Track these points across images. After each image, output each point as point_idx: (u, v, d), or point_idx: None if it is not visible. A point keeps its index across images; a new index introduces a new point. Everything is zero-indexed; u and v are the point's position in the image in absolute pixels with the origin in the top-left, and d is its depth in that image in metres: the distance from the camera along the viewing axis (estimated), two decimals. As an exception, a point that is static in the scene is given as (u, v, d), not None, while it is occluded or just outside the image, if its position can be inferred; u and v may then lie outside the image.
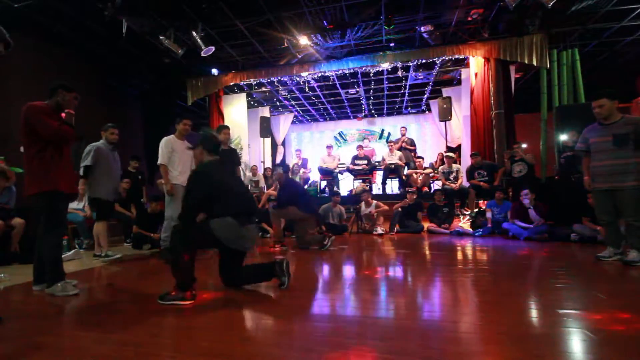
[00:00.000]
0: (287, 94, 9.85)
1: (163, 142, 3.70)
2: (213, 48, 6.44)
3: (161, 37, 5.96)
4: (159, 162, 3.68)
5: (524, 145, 5.99)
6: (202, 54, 6.43)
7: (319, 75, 8.00)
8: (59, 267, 2.32)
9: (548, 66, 6.31)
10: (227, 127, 4.49)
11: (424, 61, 7.33)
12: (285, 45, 6.89)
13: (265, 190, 7.11)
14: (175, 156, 3.68)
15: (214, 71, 7.92)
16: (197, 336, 1.50)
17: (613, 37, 6.66)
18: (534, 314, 1.74)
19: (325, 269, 3.05)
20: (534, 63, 6.34)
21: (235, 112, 8.86)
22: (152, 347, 1.42)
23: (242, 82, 8.33)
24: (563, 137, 5.50)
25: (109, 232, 5.31)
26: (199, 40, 6.14)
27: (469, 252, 3.86)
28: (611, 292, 2.01)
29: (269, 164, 9.08)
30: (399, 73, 7.98)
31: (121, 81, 7.83)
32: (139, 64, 7.32)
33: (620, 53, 7.35)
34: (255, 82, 8.64)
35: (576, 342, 1.35)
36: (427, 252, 3.86)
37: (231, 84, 8.19)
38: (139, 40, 6.20)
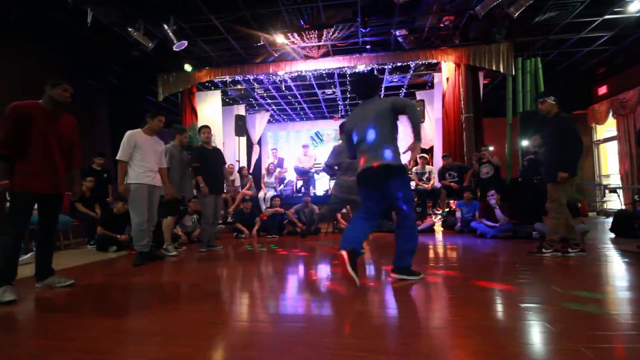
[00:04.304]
0: (263, 92, 9.73)
1: (127, 136, 3.40)
2: (186, 43, 6.24)
3: (130, 29, 5.69)
4: (117, 157, 3.37)
5: (491, 148, 6.27)
6: (175, 49, 6.21)
7: (296, 74, 7.97)
8: (6, 271, 2.19)
9: (513, 73, 6.64)
10: (207, 127, 4.41)
11: (399, 64, 7.51)
12: (262, 43, 6.80)
13: (240, 190, 6.99)
14: (139, 153, 3.40)
15: (187, 67, 7.67)
16: (164, 341, 1.45)
17: (572, 47, 7.13)
18: (499, 308, 1.83)
19: (300, 269, 3.04)
20: (501, 70, 6.66)
21: (209, 110, 8.63)
22: (115, 355, 1.35)
23: (216, 79, 8.13)
24: (525, 141, 5.81)
25: (72, 233, 5.00)
26: (170, 33, 5.91)
27: (440, 250, 4.00)
28: (566, 285, 2.15)
29: (244, 163, 8.93)
30: (375, 75, 8.11)
31: (85, 74, 7.40)
32: (105, 56, 6.95)
33: (578, 63, 7.88)
34: (230, 80, 8.46)
35: (536, 334, 1.43)
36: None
37: (205, 80, 7.97)
38: (105, 31, 5.88)
